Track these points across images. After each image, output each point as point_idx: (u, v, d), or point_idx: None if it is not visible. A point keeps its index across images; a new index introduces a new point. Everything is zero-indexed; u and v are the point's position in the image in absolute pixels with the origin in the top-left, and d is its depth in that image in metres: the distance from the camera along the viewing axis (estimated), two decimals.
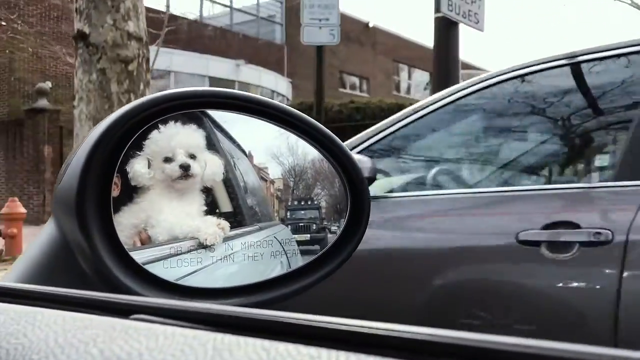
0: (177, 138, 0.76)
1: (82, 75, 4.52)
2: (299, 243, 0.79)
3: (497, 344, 0.30)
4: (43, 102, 14.17)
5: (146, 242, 0.70)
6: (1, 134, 14.50)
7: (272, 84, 21.02)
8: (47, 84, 14.96)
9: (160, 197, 0.75)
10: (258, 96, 0.73)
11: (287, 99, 20.87)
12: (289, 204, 0.82)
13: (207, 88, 0.71)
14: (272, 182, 0.84)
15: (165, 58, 15.95)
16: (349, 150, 0.75)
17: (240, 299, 0.67)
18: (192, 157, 0.77)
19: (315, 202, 0.83)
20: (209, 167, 0.78)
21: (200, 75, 18.96)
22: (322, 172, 0.82)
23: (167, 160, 0.75)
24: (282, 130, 0.78)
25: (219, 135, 0.88)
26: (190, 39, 18.58)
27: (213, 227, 0.74)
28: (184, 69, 18.67)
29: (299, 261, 0.79)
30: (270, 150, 0.83)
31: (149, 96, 0.64)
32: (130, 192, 0.73)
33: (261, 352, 0.34)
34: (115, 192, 0.75)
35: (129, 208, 0.72)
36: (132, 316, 0.42)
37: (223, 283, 0.70)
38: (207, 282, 0.68)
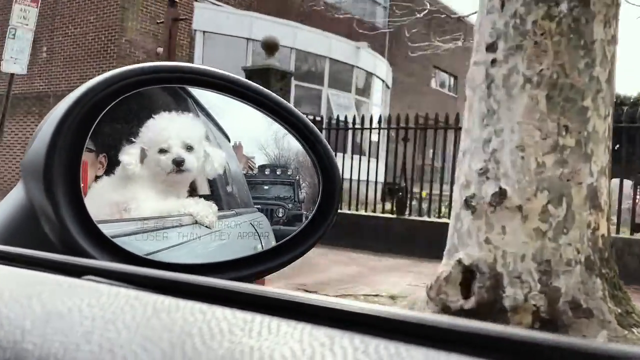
0: (172, 127, 0.75)
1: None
2: (273, 223, 0.79)
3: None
4: None
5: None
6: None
7: (384, 73, 18.90)
8: (160, 50, 13.14)
9: (149, 181, 0.75)
10: (235, 76, 0.73)
11: (388, 87, 19.32)
12: (266, 172, 0.81)
13: (184, 64, 0.71)
14: (256, 170, 0.84)
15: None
16: (321, 135, 0.75)
17: (208, 276, 0.67)
18: (189, 148, 0.76)
19: (290, 176, 0.82)
20: (211, 161, 0.78)
21: (321, 56, 16.55)
22: (305, 165, 0.82)
23: (162, 151, 0.74)
24: (270, 122, 0.78)
25: (203, 117, 0.89)
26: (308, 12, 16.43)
27: (207, 208, 0.75)
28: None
29: (272, 244, 0.79)
30: (257, 141, 0.83)
31: (125, 67, 0.64)
32: (114, 168, 0.74)
33: (198, 315, 0.34)
34: (99, 170, 0.75)
35: (113, 184, 0.72)
36: (83, 277, 0.43)
37: (191, 260, 0.70)
38: (175, 259, 0.69)
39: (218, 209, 0.79)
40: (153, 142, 0.73)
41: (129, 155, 0.70)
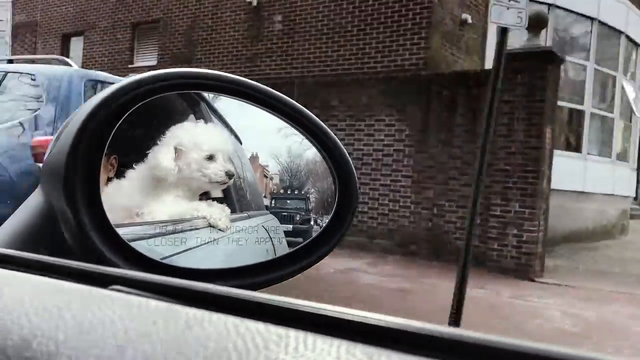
0: (216, 137, 0.76)
1: None
2: (286, 233, 0.80)
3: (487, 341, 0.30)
4: None
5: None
6: (414, 98, 8.09)
7: None
8: (467, 17, 9.94)
9: (171, 184, 0.75)
10: (253, 82, 0.73)
11: None
12: (275, 192, 0.82)
13: (204, 70, 0.71)
14: (271, 178, 0.85)
15: None
16: (337, 140, 0.75)
17: (220, 282, 0.67)
18: (229, 160, 0.77)
19: (303, 193, 0.83)
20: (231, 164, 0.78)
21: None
22: (316, 171, 0.83)
23: (210, 158, 0.74)
24: (283, 129, 0.79)
25: (215, 121, 0.89)
26: None
27: (221, 211, 0.75)
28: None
29: (286, 250, 0.79)
30: (271, 149, 0.83)
31: (146, 73, 0.64)
32: (123, 170, 0.74)
33: (231, 328, 0.34)
34: (111, 172, 0.75)
35: (125, 186, 0.72)
36: (110, 287, 0.43)
37: (206, 265, 0.71)
38: (192, 263, 0.69)
39: (231, 212, 0.79)
40: (195, 145, 0.72)
41: (165, 157, 0.70)
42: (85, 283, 0.44)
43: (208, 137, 0.75)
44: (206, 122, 0.83)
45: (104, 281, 0.44)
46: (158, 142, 0.74)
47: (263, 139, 0.82)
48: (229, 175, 0.74)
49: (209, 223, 0.75)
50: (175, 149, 0.72)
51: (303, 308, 0.35)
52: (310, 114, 0.73)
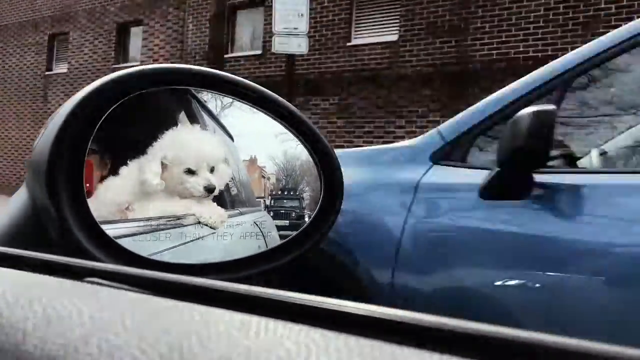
0: (198, 147, 0.76)
1: None
2: (280, 228, 0.80)
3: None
4: None
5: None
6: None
7: None
8: None
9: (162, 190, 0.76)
10: (244, 80, 0.73)
11: None
12: (274, 192, 0.84)
13: (194, 66, 0.71)
14: (268, 178, 0.85)
15: None
16: (321, 135, 0.75)
17: (210, 276, 0.67)
18: (212, 169, 0.77)
19: (298, 194, 0.84)
20: (220, 178, 0.79)
21: None
22: (309, 171, 0.84)
23: (190, 172, 0.74)
24: (281, 134, 0.80)
25: (206, 117, 0.89)
26: None
27: (211, 209, 0.76)
28: None
29: (277, 244, 0.80)
30: (269, 152, 0.84)
31: (133, 68, 0.64)
32: (117, 168, 0.74)
33: (196, 316, 0.34)
34: (105, 171, 0.76)
35: (118, 184, 0.73)
36: (85, 279, 0.43)
37: (195, 260, 0.71)
38: (179, 258, 0.69)
39: (223, 209, 0.80)
40: (178, 159, 0.73)
41: (152, 174, 0.71)
42: (62, 276, 0.44)
43: (191, 148, 0.75)
44: (197, 122, 0.83)
45: (79, 274, 0.44)
46: (151, 145, 0.75)
47: (261, 141, 0.83)
48: (208, 189, 0.74)
49: (199, 221, 0.75)
50: (162, 163, 0.73)
51: (266, 295, 0.35)
52: (300, 113, 0.74)
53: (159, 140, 0.76)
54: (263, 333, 0.32)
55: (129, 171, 0.74)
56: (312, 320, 0.32)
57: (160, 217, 0.72)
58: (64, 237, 0.58)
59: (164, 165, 0.75)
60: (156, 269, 0.60)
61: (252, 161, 0.85)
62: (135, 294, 0.39)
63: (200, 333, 0.32)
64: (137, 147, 0.77)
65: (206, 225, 0.76)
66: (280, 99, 0.75)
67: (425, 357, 0.28)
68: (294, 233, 0.76)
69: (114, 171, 0.74)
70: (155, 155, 0.74)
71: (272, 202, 0.84)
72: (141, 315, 0.35)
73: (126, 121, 0.73)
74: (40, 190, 0.59)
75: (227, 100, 0.81)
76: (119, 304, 0.37)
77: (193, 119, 0.89)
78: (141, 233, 0.69)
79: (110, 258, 0.60)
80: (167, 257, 0.69)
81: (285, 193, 0.84)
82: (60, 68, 14.94)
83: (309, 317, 0.33)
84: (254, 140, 0.85)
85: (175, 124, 0.90)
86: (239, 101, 0.78)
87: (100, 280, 0.43)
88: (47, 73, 15.06)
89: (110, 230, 0.64)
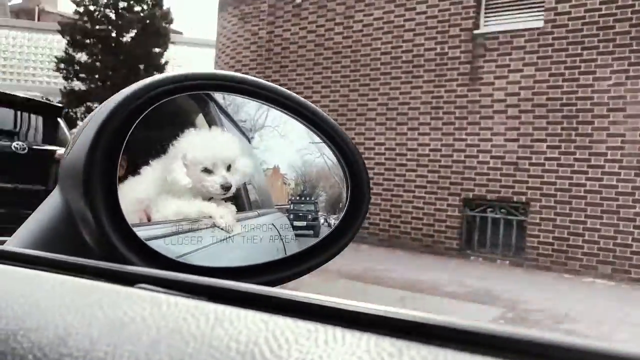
0: (217, 147, 0.78)
1: None
2: (297, 228, 0.82)
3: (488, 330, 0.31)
4: None
5: (149, 218, 0.72)
6: None
7: None
8: None
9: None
10: (268, 83, 0.74)
11: None
12: (292, 198, 0.86)
13: (219, 71, 0.72)
14: (289, 184, 0.88)
15: None
16: (349, 139, 0.77)
17: (238, 279, 0.68)
18: (229, 167, 0.79)
19: (314, 198, 0.87)
20: (237, 177, 0.80)
21: None
22: (324, 178, 0.87)
23: (207, 171, 0.76)
24: (303, 149, 0.83)
25: (224, 122, 0.90)
26: None
27: (228, 211, 0.77)
28: None
29: (295, 247, 0.81)
30: (289, 160, 0.87)
31: (163, 74, 0.65)
32: (135, 169, 0.75)
33: (260, 324, 0.35)
34: (120, 172, 0.76)
35: (134, 182, 0.73)
36: (136, 285, 0.44)
37: (222, 263, 0.72)
38: (206, 261, 0.70)
39: (240, 211, 0.81)
40: (196, 159, 0.75)
41: (180, 174, 0.72)
42: (112, 282, 0.45)
43: (208, 148, 0.77)
44: (215, 124, 0.85)
45: (128, 280, 0.45)
46: (169, 146, 0.76)
47: (284, 150, 0.86)
48: (225, 187, 0.76)
49: (214, 223, 0.77)
50: (183, 163, 0.75)
51: (328, 304, 0.36)
52: (325, 114, 0.75)
53: (178, 140, 0.77)
54: (332, 341, 0.33)
55: (149, 171, 0.75)
56: (377, 329, 0.33)
57: (180, 220, 0.73)
58: (100, 241, 0.59)
59: (185, 165, 0.76)
60: (188, 272, 0.62)
61: (276, 170, 0.88)
62: (193, 301, 0.40)
63: (269, 341, 0.33)
64: (155, 148, 0.78)
65: (220, 227, 0.77)
66: (304, 100, 0.76)
67: None
68: (319, 239, 0.78)
69: (133, 172, 0.75)
70: (176, 155, 0.76)
71: (291, 206, 0.86)
72: (205, 323, 0.36)
73: (141, 123, 0.74)
74: (76, 196, 0.59)
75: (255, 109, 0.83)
76: (179, 311, 0.38)
77: (211, 120, 0.90)
78: (168, 235, 0.70)
79: (144, 261, 0.61)
80: (194, 260, 0.70)
81: (303, 198, 0.87)
82: None
83: (372, 326, 0.34)
84: (278, 148, 0.88)
85: (193, 125, 0.91)
86: (273, 107, 0.79)
87: (152, 287, 0.43)
88: None
89: (140, 233, 0.65)
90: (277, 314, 0.36)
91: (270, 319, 0.36)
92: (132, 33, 19.93)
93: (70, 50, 20.01)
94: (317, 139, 0.79)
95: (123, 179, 0.75)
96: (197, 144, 0.77)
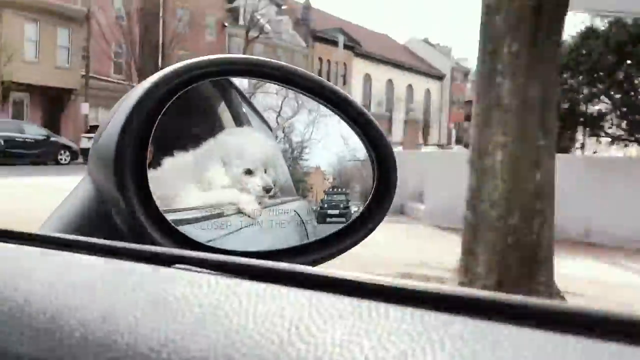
0: (256, 149, 0.80)
1: None
2: (330, 215, 0.85)
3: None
4: None
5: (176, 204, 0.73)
6: None
7: None
8: None
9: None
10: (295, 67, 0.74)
11: None
12: (328, 190, 0.89)
13: (250, 56, 0.73)
14: (327, 179, 0.90)
15: None
16: (377, 123, 0.77)
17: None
18: (266, 170, 0.81)
19: (346, 190, 0.89)
20: (273, 176, 0.82)
21: None
22: (357, 173, 0.89)
23: (248, 172, 0.78)
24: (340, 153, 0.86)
25: (246, 108, 0.91)
26: None
27: (252, 198, 0.78)
28: None
29: (317, 233, 0.82)
30: (328, 159, 0.90)
31: (192, 59, 0.65)
32: (161, 158, 0.76)
33: (303, 301, 0.36)
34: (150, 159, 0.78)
35: (160, 174, 0.74)
36: (174, 266, 0.44)
37: (251, 248, 0.72)
38: (235, 246, 0.71)
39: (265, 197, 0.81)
40: (236, 160, 0.77)
41: (219, 174, 0.75)
42: (150, 263, 0.45)
43: (247, 149, 0.79)
44: (238, 114, 0.86)
45: (166, 261, 0.46)
46: (202, 142, 0.77)
47: (325, 150, 0.89)
48: (266, 189, 0.78)
49: (238, 209, 0.78)
50: (222, 162, 0.76)
51: (368, 280, 0.37)
52: (354, 100, 0.75)
53: (215, 138, 0.79)
54: (376, 316, 0.33)
55: (178, 161, 0.76)
56: (420, 304, 0.34)
57: (213, 205, 0.73)
58: (132, 225, 0.60)
59: (223, 164, 0.78)
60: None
61: (317, 169, 0.91)
62: (232, 279, 0.40)
63: (314, 317, 0.34)
64: (183, 138, 0.79)
65: (246, 213, 0.78)
66: (330, 84, 0.76)
67: (529, 334, 0.29)
68: (350, 221, 0.78)
69: (155, 161, 0.76)
70: (213, 153, 0.78)
71: (326, 197, 0.88)
72: (247, 301, 0.37)
73: (169, 111, 0.74)
74: (107, 180, 0.60)
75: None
76: (220, 290, 0.38)
77: (233, 110, 0.91)
78: (197, 221, 0.70)
79: (175, 246, 0.62)
80: (221, 245, 0.70)
81: (336, 189, 0.89)
82: None
83: (416, 301, 0.34)
84: (319, 150, 0.90)
85: (215, 114, 0.92)
86: (312, 98, 0.80)
87: (189, 267, 0.44)
88: None
89: (169, 218, 0.66)
90: (317, 290, 0.37)
91: (313, 295, 0.36)
92: None
93: None
94: (354, 141, 0.80)
95: (151, 165, 0.76)
96: (236, 144, 0.79)
